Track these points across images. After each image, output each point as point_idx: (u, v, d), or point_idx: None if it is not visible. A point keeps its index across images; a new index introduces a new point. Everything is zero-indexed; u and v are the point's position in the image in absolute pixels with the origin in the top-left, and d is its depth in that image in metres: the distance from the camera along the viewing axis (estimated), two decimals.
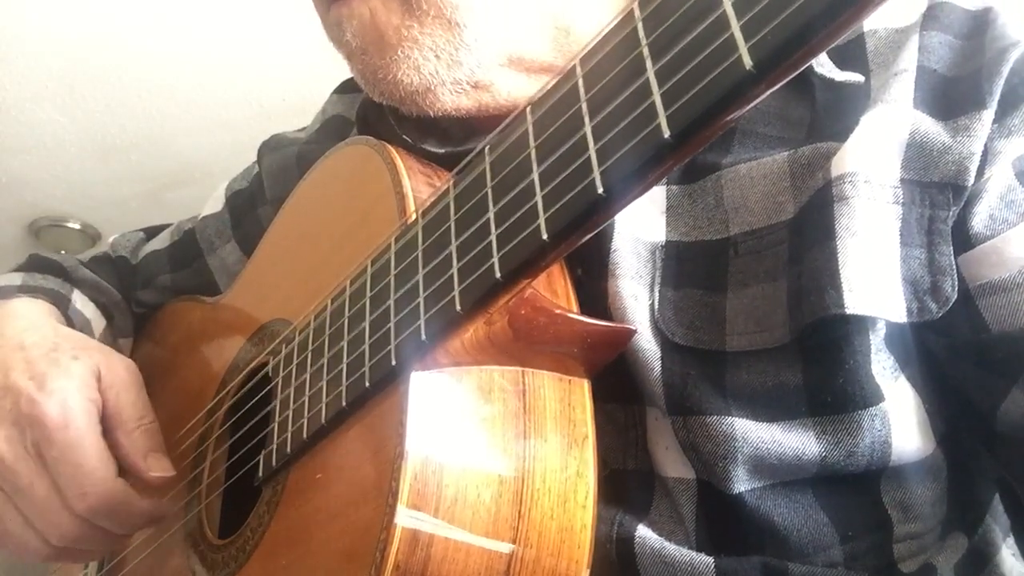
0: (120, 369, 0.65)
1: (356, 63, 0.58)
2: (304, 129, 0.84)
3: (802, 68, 0.29)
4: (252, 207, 0.83)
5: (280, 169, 0.79)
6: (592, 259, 0.54)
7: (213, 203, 0.87)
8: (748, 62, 0.28)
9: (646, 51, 0.33)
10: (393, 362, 0.45)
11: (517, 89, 0.59)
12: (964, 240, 0.49)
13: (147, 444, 0.63)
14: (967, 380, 0.51)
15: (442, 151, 0.62)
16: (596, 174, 0.34)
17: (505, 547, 0.43)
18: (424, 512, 0.42)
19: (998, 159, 0.50)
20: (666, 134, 0.31)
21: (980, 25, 0.54)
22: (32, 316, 0.71)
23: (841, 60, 0.56)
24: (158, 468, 0.62)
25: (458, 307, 0.41)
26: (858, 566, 0.49)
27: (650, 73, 0.32)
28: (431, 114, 0.59)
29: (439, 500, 0.42)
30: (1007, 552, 0.54)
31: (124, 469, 0.61)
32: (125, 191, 1.85)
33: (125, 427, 0.62)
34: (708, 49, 0.30)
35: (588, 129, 0.36)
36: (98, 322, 0.83)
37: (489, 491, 0.43)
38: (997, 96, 0.50)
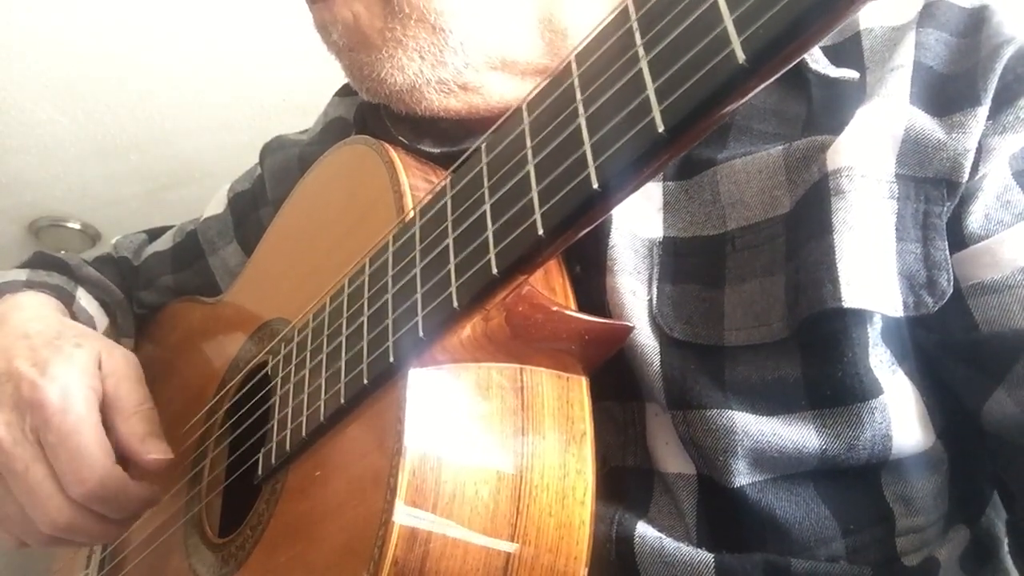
0: (119, 358, 0.66)
1: (344, 60, 0.60)
2: (306, 131, 0.84)
3: (795, 62, 0.29)
4: (254, 208, 0.83)
5: (282, 170, 0.80)
6: (590, 256, 0.54)
7: (215, 204, 0.87)
8: (741, 56, 0.28)
9: (640, 46, 0.33)
10: (391, 359, 0.45)
11: (511, 92, 0.60)
12: (958, 239, 0.50)
13: (144, 429, 0.63)
14: (955, 377, 0.51)
15: (437, 151, 0.62)
16: (591, 169, 0.34)
17: (503, 543, 0.43)
18: (422, 508, 0.42)
19: (992, 156, 0.50)
20: (660, 128, 0.31)
21: (976, 23, 0.54)
22: (37, 308, 0.72)
23: (837, 58, 0.56)
24: (156, 451, 0.62)
25: (455, 303, 0.41)
26: (860, 560, 0.49)
27: (644, 67, 0.32)
28: (419, 112, 0.59)
29: (437, 496, 0.42)
30: None
31: (123, 457, 0.62)
32: (125, 191, 1.84)
33: (123, 413, 0.63)
34: (701, 43, 0.29)
35: (583, 124, 0.36)
36: (101, 320, 0.83)
37: (487, 487, 0.43)
38: (991, 93, 0.50)
